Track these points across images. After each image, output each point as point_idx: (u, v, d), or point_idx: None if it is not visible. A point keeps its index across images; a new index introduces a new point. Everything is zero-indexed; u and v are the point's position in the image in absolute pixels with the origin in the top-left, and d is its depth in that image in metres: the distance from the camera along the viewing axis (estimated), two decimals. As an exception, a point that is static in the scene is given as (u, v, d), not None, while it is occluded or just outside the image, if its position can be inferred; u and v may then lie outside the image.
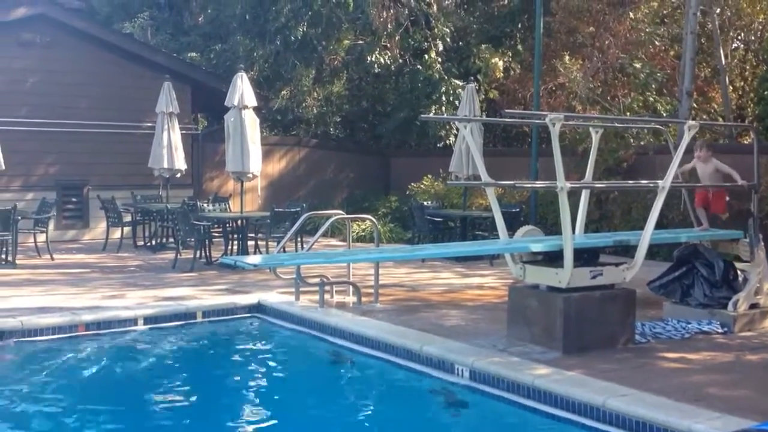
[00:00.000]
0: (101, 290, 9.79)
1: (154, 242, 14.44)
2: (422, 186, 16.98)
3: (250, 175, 12.51)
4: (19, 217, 12.23)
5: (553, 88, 17.86)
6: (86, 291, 9.75)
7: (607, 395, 5.31)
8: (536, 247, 6.99)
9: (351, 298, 9.04)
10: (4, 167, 12.48)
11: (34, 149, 15.10)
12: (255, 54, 19.08)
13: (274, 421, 5.98)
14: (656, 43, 16.71)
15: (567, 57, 16.64)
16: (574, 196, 7.63)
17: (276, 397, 6.63)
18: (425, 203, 14.51)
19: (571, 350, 6.58)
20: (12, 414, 5.82)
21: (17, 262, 11.97)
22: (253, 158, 12.31)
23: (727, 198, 8.60)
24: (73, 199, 15.86)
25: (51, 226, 13.49)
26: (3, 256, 12.23)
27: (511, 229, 7.91)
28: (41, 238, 12.97)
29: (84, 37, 15.76)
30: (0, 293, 9.50)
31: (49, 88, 15.22)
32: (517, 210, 12.79)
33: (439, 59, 18.94)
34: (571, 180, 7.40)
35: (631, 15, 16.51)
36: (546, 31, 16.05)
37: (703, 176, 8.49)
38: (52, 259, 12.58)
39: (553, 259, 6.90)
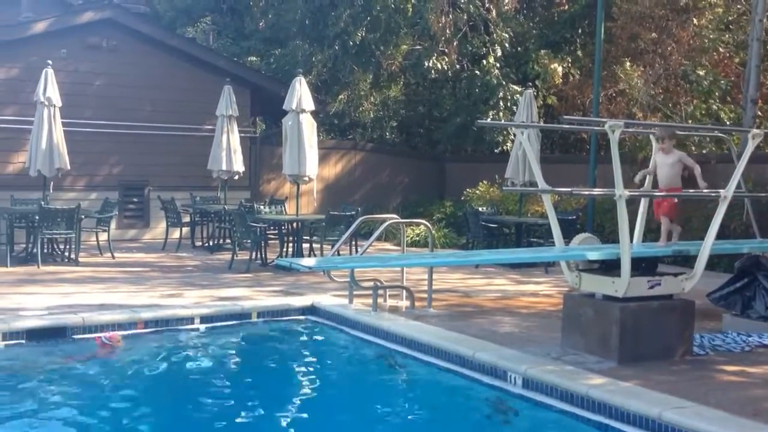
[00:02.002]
0: (160, 289, 9.99)
1: (211, 243, 14.68)
2: (477, 192, 16.91)
3: (307, 178, 12.63)
4: (83, 216, 12.56)
5: (613, 95, 17.62)
6: (145, 289, 9.96)
7: (663, 407, 5.21)
8: (593, 255, 6.89)
9: (404, 303, 9.04)
10: (69, 167, 12.85)
11: (98, 150, 15.49)
12: (314, 58, 19.27)
13: (326, 423, 6.01)
14: (720, 49, 16.35)
15: (628, 63, 16.40)
16: (632, 204, 7.50)
17: (327, 399, 6.66)
18: (480, 209, 14.45)
19: (627, 361, 6.47)
20: (70, 406, 5.98)
21: (80, 259, 12.29)
22: (310, 161, 12.43)
23: (676, 200, 7.71)
24: (135, 200, 16.22)
25: (113, 225, 13.82)
26: (66, 254, 12.59)
27: (567, 236, 7.83)
28: (103, 236, 13.30)
29: (148, 41, 16.12)
30: (63, 290, 9.79)
31: (113, 90, 15.60)
32: (574, 217, 12.64)
33: (498, 64, 18.84)
34: (630, 188, 7.27)
35: (695, 21, 16.19)
36: (607, 36, 15.85)
37: (661, 171, 7.63)
38: (113, 257, 12.88)
39: (610, 267, 6.80)
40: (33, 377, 6.63)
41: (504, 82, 18.51)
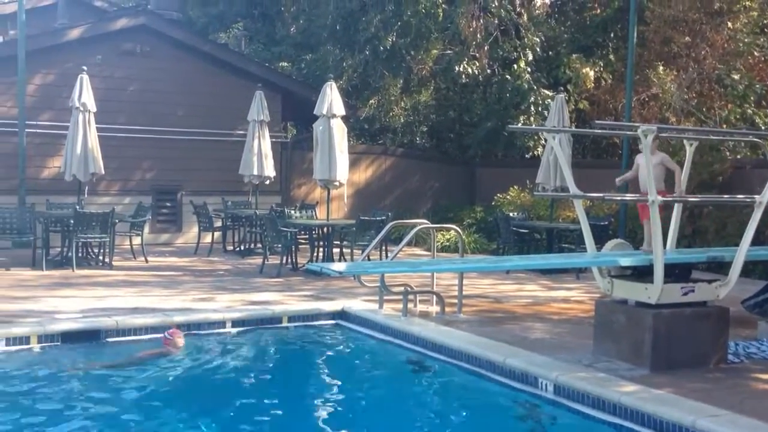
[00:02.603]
0: (192, 293, 10.08)
1: (242, 247, 14.78)
2: (508, 197, 16.84)
3: (337, 183, 12.67)
4: (117, 221, 12.72)
5: (646, 99, 17.43)
6: (178, 293, 10.05)
7: (697, 415, 5.14)
8: (625, 262, 6.83)
9: (434, 308, 9.03)
10: (103, 172, 13.03)
11: (132, 155, 15.68)
12: (344, 63, 19.34)
13: (353, 427, 6.02)
14: (755, 53, 16.10)
15: (661, 67, 16.22)
16: (666, 210, 7.43)
17: (357, 404, 6.67)
18: (511, 214, 14.38)
19: (660, 368, 6.40)
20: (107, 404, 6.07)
21: (114, 263, 12.45)
22: (340, 166, 12.46)
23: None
24: (168, 204, 16.39)
25: (146, 229, 13.97)
26: (101, 258, 12.75)
27: (599, 242, 7.75)
28: (137, 240, 13.45)
29: (181, 47, 16.29)
30: (97, 293, 9.91)
31: (147, 96, 15.80)
32: (606, 223, 12.54)
33: (529, 69, 18.75)
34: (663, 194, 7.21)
35: (729, 25, 15.97)
36: (639, 40, 15.72)
37: (643, 174, 7.35)
38: (147, 261, 13.02)
39: (643, 274, 6.74)
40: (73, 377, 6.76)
41: (535, 87, 18.41)
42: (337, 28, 20.00)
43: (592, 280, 8.36)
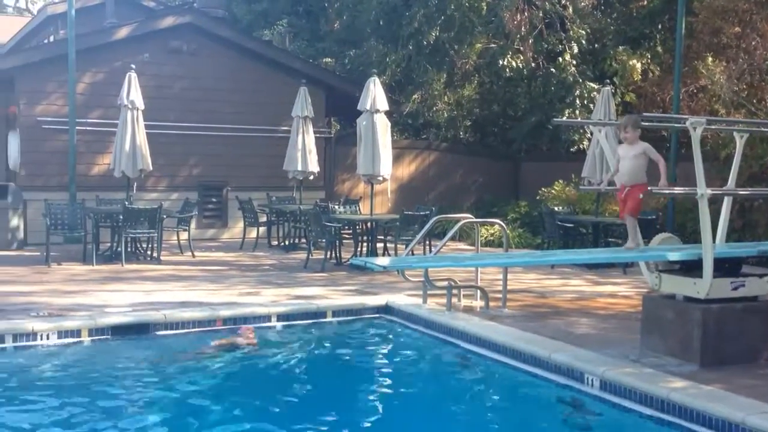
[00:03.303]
0: (238, 287, 10.20)
1: (287, 242, 14.90)
2: (553, 191, 16.69)
3: (381, 178, 12.70)
4: (165, 216, 12.92)
5: (695, 91, 17.12)
6: (224, 287, 10.18)
7: (748, 412, 5.05)
8: (673, 256, 6.73)
9: (478, 303, 9.00)
10: (151, 168, 13.24)
11: (179, 152, 15.91)
12: (388, 59, 19.33)
13: (400, 421, 6.04)
14: (809, 43, 15.69)
15: (710, 58, 15.90)
16: (715, 203, 7.30)
17: (402, 398, 6.69)
18: (556, 208, 14.26)
19: (709, 364, 6.29)
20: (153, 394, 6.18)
21: (161, 258, 12.65)
22: (384, 161, 12.49)
23: (641, 195, 7.02)
24: (214, 200, 16.60)
25: (193, 224, 14.17)
26: (149, 253, 12.97)
27: (647, 236, 7.66)
28: (184, 236, 13.65)
29: (227, 45, 16.47)
30: (145, 287, 10.09)
31: (193, 93, 16.00)
32: (654, 217, 12.35)
33: (574, 62, 18.54)
34: (713, 187, 7.05)
35: (782, 14, 15.59)
36: (688, 31, 15.42)
37: (623, 165, 7.03)
38: (193, 256, 13.20)
39: (692, 268, 6.63)
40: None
41: (580, 80, 18.19)
42: (381, 23, 20.00)
43: (639, 275, 8.26)
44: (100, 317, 7.91)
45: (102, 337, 7.64)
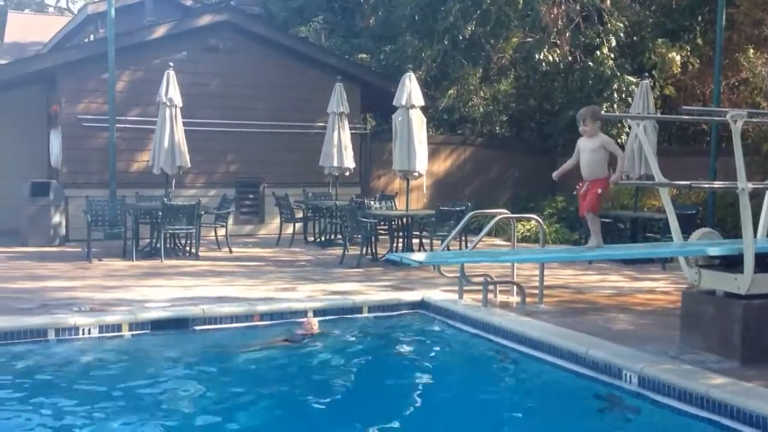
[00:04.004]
0: (274, 283, 10.28)
1: (323, 238, 14.96)
2: (591, 186, 16.51)
3: (416, 174, 12.68)
4: (202, 212, 13.06)
5: (736, 84, 16.85)
6: (261, 283, 10.27)
7: (790, 410, 4.97)
8: (713, 251, 6.63)
9: (515, 299, 8.96)
10: (189, 165, 13.38)
11: (217, 149, 16.06)
12: (423, 54, 19.29)
13: (436, 416, 6.05)
14: None
15: (751, 50, 15.64)
16: (756, 197, 7.17)
17: (438, 394, 6.69)
18: (594, 204, 14.09)
19: (750, 360, 6.19)
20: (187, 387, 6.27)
21: (200, 254, 12.79)
22: (420, 157, 12.47)
23: (600, 191, 6.77)
24: (251, 196, 16.73)
25: (230, 221, 14.31)
26: (187, 249, 13.13)
27: (686, 231, 7.56)
28: (221, 232, 13.79)
29: (263, 42, 16.58)
30: (184, 283, 10.22)
31: (230, 90, 16.13)
32: (693, 212, 12.17)
33: (612, 55, 18.33)
34: (754, 181, 6.93)
35: (826, 4, 15.27)
36: (728, 23, 15.18)
37: (583, 158, 6.85)
38: (231, 252, 13.33)
39: (732, 263, 6.53)
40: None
41: (618, 73, 17.98)
42: (416, 18, 19.96)
43: (678, 270, 8.14)
44: (140, 312, 8.02)
45: (142, 331, 7.76)
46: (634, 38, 19.23)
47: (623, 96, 17.78)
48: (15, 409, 5.72)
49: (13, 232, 14.48)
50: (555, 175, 7.20)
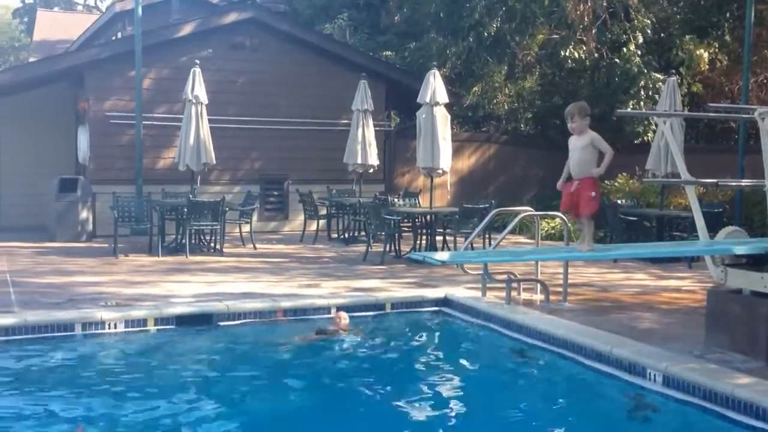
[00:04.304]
0: (298, 279, 10.32)
1: (347, 235, 14.99)
2: (616, 184, 16.41)
3: (440, 171, 12.66)
4: (227, 209, 13.14)
5: (764, 81, 16.65)
6: (285, 279, 10.32)
7: (818, 411, 4.91)
8: (740, 250, 6.56)
9: (538, 296, 8.93)
10: (214, 162, 13.47)
11: (241, 145, 16.15)
12: (448, 51, 19.24)
13: (460, 413, 6.05)
14: None
15: (781, 47, 15.43)
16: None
17: (461, 391, 6.69)
18: (619, 201, 14.02)
19: (777, 360, 6.13)
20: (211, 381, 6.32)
21: (224, 250, 12.87)
22: (443, 154, 12.45)
23: (594, 193, 6.53)
24: (275, 193, 16.80)
25: (254, 217, 14.38)
26: (212, 245, 13.22)
27: (713, 230, 7.49)
28: (246, 228, 13.86)
29: (288, 39, 16.63)
30: (209, 279, 10.29)
31: (255, 87, 16.21)
32: (720, 210, 12.06)
33: (639, 52, 18.17)
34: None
35: None
36: (757, 19, 14.99)
37: (572, 157, 6.69)
38: (255, 248, 13.40)
39: (759, 262, 6.46)
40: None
41: (645, 70, 17.82)
42: (441, 15, 19.92)
43: (705, 269, 8.07)
44: (166, 307, 8.10)
45: (167, 326, 7.83)
46: (662, 35, 19.05)
47: (650, 93, 17.63)
48: (45, 401, 5.80)
49: (41, 228, 14.67)
50: (559, 185, 7.07)
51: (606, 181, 16.62)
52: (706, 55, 17.43)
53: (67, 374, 6.52)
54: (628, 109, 17.18)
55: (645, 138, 17.96)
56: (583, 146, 6.65)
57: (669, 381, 5.91)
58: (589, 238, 6.84)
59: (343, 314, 8.04)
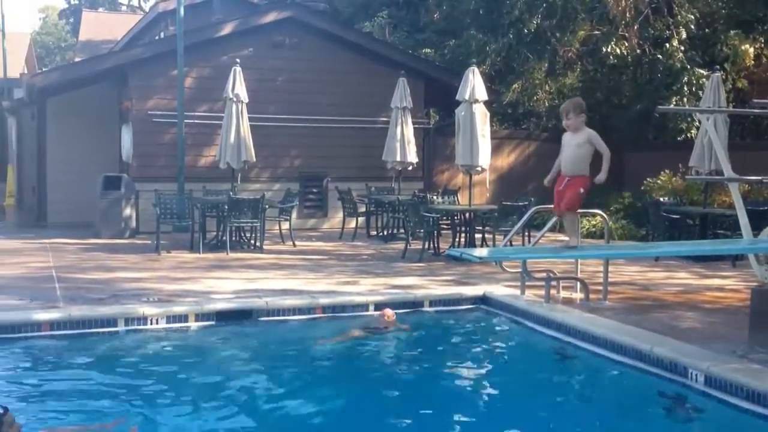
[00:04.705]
0: (337, 276, 10.37)
1: (385, 232, 15.02)
2: (659, 181, 16.19)
3: (479, 169, 12.62)
4: (267, 206, 13.25)
5: (813, 76, 16.27)
6: (323, 276, 10.37)
7: None
8: (785, 248, 6.45)
9: (578, 295, 8.85)
10: (255, 160, 13.59)
11: (281, 143, 16.27)
12: (487, 48, 19.16)
13: (497, 412, 6.03)
14: None
15: (830, 41, 15.07)
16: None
17: (500, 389, 6.66)
18: (661, 199, 13.83)
19: (823, 362, 6.00)
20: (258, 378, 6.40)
21: (264, 247, 12.99)
22: (483, 152, 12.41)
23: (582, 191, 6.45)
24: (314, 190, 16.89)
25: (294, 214, 14.48)
26: (252, 242, 13.34)
27: (757, 228, 7.36)
28: (285, 225, 13.96)
29: (327, 38, 16.70)
30: (248, 275, 10.39)
31: (294, 86, 16.31)
32: (765, 208, 11.83)
33: (682, 48, 17.89)
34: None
35: None
36: (805, 13, 14.66)
37: (565, 153, 6.57)
38: (294, 245, 13.49)
39: (805, 261, 6.34)
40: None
41: (689, 66, 17.55)
42: (480, 12, 19.84)
43: (749, 268, 7.93)
44: (206, 303, 8.20)
45: (207, 322, 7.92)
46: (706, 30, 18.74)
47: (693, 89, 17.36)
48: (90, 394, 5.91)
49: (87, 225, 14.94)
50: (547, 180, 6.93)
51: (648, 179, 16.42)
52: (751, 50, 17.12)
53: (110, 368, 6.63)
54: (671, 106, 16.94)
55: (688, 135, 17.69)
56: (579, 143, 6.54)
57: (711, 381, 5.82)
58: (574, 234, 6.73)
59: (390, 311, 8.07)
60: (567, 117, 6.62)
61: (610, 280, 8.90)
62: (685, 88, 17.51)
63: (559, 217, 6.90)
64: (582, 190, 6.50)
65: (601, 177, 6.43)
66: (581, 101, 6.79)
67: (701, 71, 17.31)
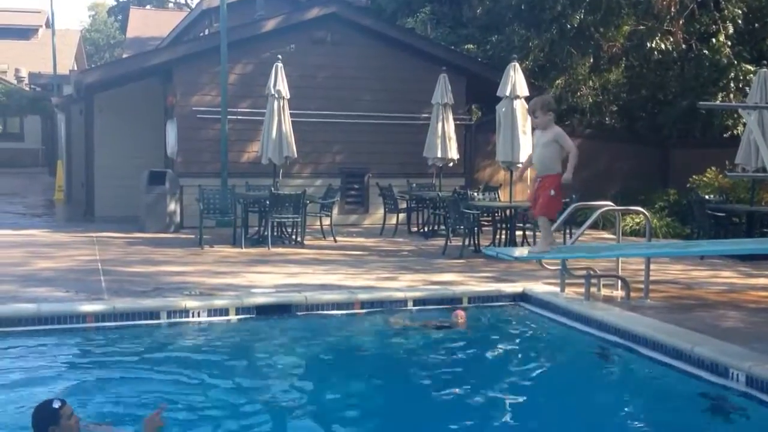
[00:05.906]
0: (376, 272, 10.42)
1: (426, 229, 15.02)
2: (705, 179, 15.93)
3: (520, 165, 12.54)
4: (308, 202, 13.35)
5: None
6: (363, 272, 10.43)
7: None
8: (831, 248, 6.31)
9: (619, 293, 8.78)
10: (296, 155, 13.70)
11: (322, 139, 16.35)
12: (530, 43, 19.01)
13: (535, 408, 6.03)
14: None
15: None
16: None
17: (538, 386, 6.65)
18: (707, 197, 13.60)
19: None
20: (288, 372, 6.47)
21: (305, 242, 13.09)
22: (524, 148, 12.33)
23: (553, 192, 6.25)
24: (355, 186, 16.95)
25: (335, 210, 14.57)
26: (293, 237, 13.45)
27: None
28: (326, 221, 14.05)
29: (369, 34, 16.73)
30: (289, 270, 10.50)
31: (336, 82, 16.37)
32: (815, 207, 11.57)
33: (729, 43, 17.55)
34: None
35: None
36: None
37: (535, 153, 6.40)
38: (335, 241, 13.57)
39: None
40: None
41: (735, 62, 17.21)
42: (523, 7, 19.68)
43: (795, 267, 7.81)
44: (247, 297, 8.31)
45: (247, 316, 8.03)
46: (755, 25, 18.34)
47: (740, 85, 17.02)
48: (133, 384, 6.05)
49: (132, 219, 15.21)
50: (516, 176, 6.81)
51: (694, 176, 16.16)
52: (802, 45, 16.72)
53: (153, 359, 6.76)
54: (718, 102, 16.64)
55: (735, 131, 17.35)
56: (546, 142, 6.38)
57: (752, 381, 5.74)
58: (545, 239, 6.59)
59: (461, 312, 8.16)
60: (534, 115, 6.46)
61: (653, 278, 8.81)
62: (732, 84, 17.17)
63: (534, 218, 6.75)
64: (553, 192, 6.37)
65: (567, 176, 6.25)
66: (549, 98, 6.68)
67: (749, 67, 16.96)
